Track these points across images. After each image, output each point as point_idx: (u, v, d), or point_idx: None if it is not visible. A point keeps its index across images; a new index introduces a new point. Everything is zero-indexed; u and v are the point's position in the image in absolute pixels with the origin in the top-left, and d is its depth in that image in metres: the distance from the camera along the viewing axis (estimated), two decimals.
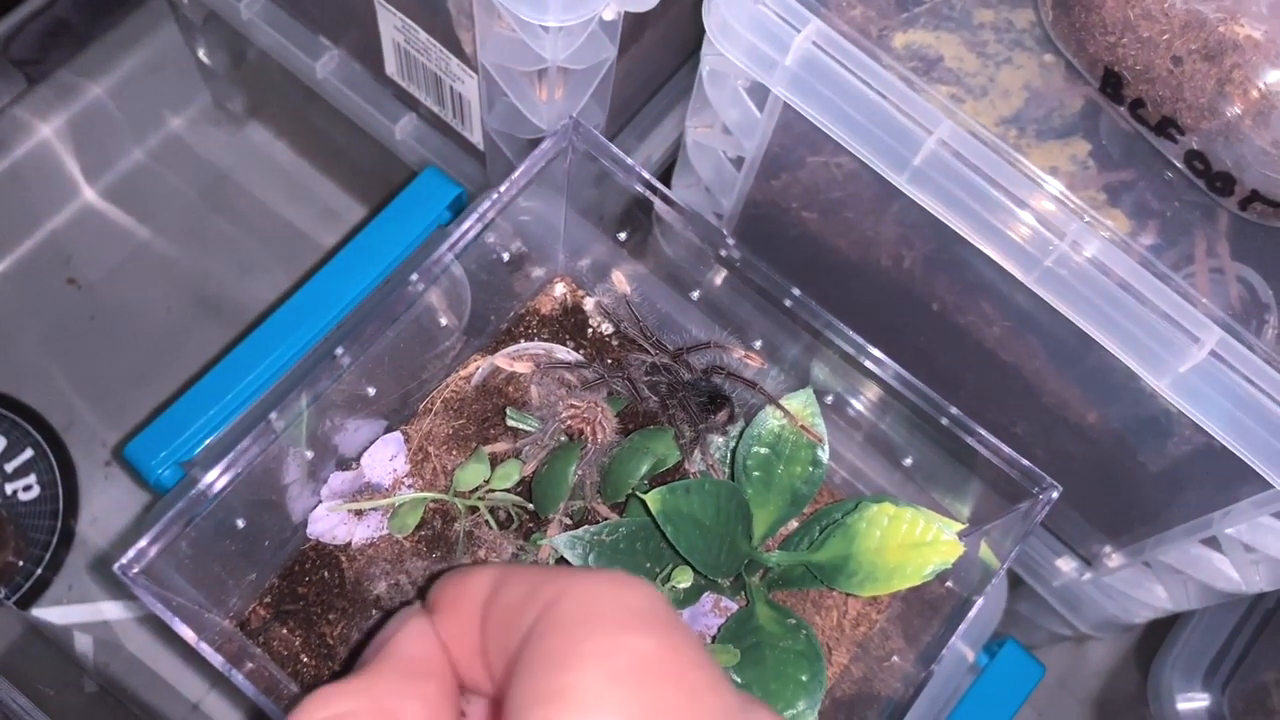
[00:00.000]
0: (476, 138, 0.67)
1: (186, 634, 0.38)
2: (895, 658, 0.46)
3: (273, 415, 0.41)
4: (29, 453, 0.82)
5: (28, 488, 0.81)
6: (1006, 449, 0.46)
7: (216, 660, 0.38)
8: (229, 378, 0.57)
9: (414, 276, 0.43)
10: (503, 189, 0.44)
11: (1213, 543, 0.55)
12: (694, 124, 0.60)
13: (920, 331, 0.60)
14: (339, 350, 0.42)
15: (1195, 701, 0.69)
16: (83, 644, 0.75)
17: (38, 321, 0.85)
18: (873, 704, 0.46)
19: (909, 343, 0.63)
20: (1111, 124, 0.53)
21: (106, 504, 0.82)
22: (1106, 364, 0.49)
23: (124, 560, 0.38)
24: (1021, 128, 0.55)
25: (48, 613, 0.78)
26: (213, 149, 0.89)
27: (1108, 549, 0.63)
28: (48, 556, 0.80)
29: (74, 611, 0.79)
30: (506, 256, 0.49)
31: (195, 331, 0.85)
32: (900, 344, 0.64)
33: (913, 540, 0.43)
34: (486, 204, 0.44)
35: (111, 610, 0.79)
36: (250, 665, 0.42)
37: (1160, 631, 0.72)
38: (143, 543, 0.38)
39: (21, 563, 0.79)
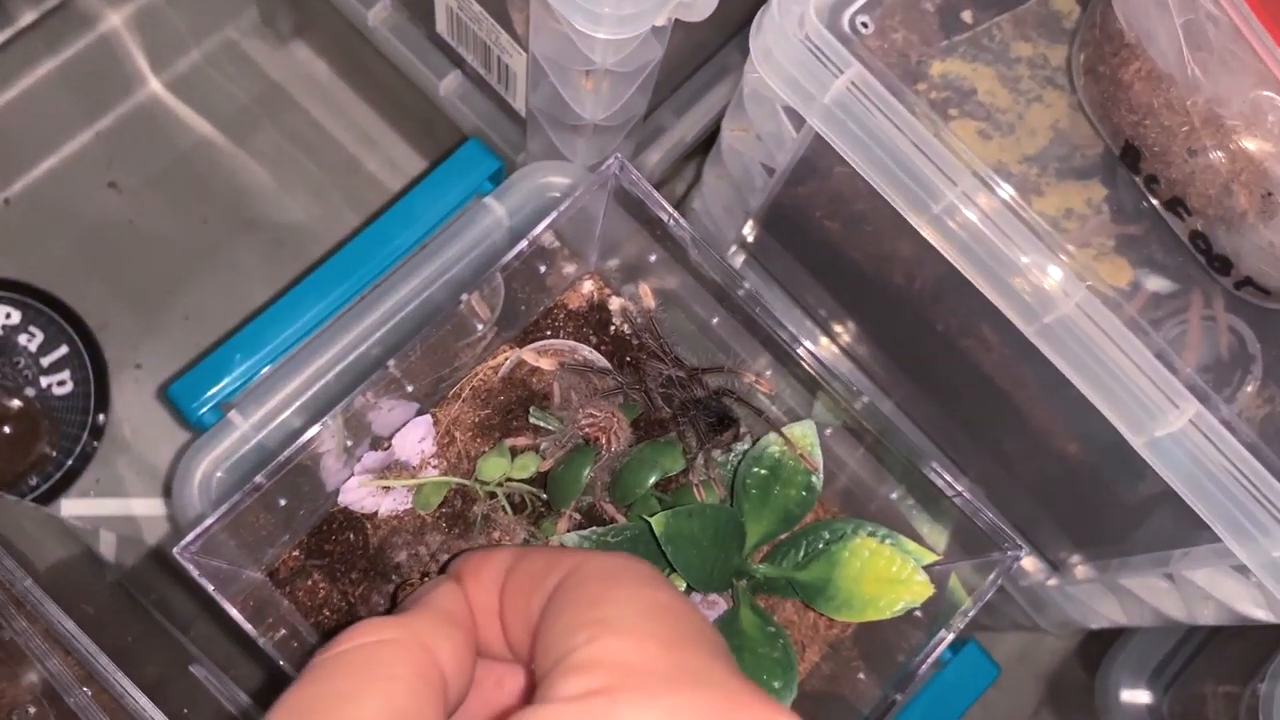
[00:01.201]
0: (519, 106, 0.69)
1: (235, 614, 0.42)
2: (861, 674, 0.51)
3: (327, 418, 0.45)
4: (64, 349, 0.86)
5: (62, 383, 0.85)
6: (979, 505, 0.50)
7: (253, 632, 0.42)
8: (271, 328, 0.61)
9: (464, 295, 0.46)
10: (553, 216, 0.47)
11: (1168, 574, 0.59)
12: (730, 127, 0.62)
13: (925, 346, 0.63)
14: (391, 363, 0.46)
15: (1139, 698, 0.74)
16: (106, 540, 0.80)
17: (78, 222, 0.87)
18: (837, 703, 0.51)
19: (914, 353, 0.66)
20: (1128, 174, 0.55)
21: (135, 404, 0.86)
22: (1091, 410, 0.52)
23: (183, 544, 0.42)
24: (1043, 166, 0.57)
25: (75, 504, 0.83)
26: (256, 67, 0.91)
27: (1075, 560, 0.67)
28: (78, 449, 0.84)
29: (100, 504, 0.84)
30: (543, 266, 0.52)
31: (229, 244, 0.88)
32: (906, 353, 0.67)
33: (889, 576, 0.47)
34: (539, 228, 0.47)
35: (135, 506, 0.84)
36: (275, 618, 0.46)
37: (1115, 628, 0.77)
38: (200, 529, 0.42)
39: (55, 453, 0.84)
